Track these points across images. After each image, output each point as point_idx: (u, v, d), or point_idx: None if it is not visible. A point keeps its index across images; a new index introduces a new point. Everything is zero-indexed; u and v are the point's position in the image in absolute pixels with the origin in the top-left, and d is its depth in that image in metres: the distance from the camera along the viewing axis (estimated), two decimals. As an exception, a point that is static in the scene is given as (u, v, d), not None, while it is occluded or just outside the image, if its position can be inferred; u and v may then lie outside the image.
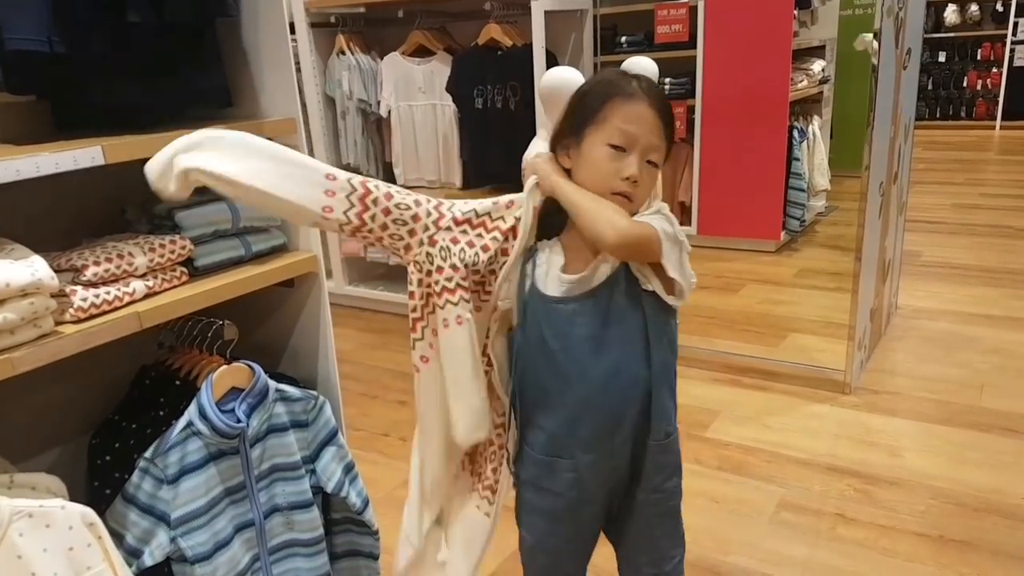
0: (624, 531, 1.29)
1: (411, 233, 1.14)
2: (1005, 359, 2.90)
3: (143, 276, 1.28)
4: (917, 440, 2.41)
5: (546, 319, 1.13)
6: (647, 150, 1.09)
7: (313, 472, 1.46)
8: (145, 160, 1.08)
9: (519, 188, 1.17)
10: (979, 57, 8.41)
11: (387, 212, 1.12)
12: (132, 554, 1.23)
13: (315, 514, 1.46)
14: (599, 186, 1.10)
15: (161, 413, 1.40)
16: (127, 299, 1.25)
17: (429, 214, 1.15)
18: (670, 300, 1.12)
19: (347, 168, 3.69)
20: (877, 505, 2.10)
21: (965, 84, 8.52)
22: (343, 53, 3.49)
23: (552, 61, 3.04)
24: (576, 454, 1.17)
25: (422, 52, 3.39)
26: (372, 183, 1.13)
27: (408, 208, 1.14)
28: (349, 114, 3.57)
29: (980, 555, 1.89)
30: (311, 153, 3.69)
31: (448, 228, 1.15)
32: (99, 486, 1.36)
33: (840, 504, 2.12)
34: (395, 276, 3.97)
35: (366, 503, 1.52)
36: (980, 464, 2.27)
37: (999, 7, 8.17)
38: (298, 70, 3.56)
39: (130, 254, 1.26)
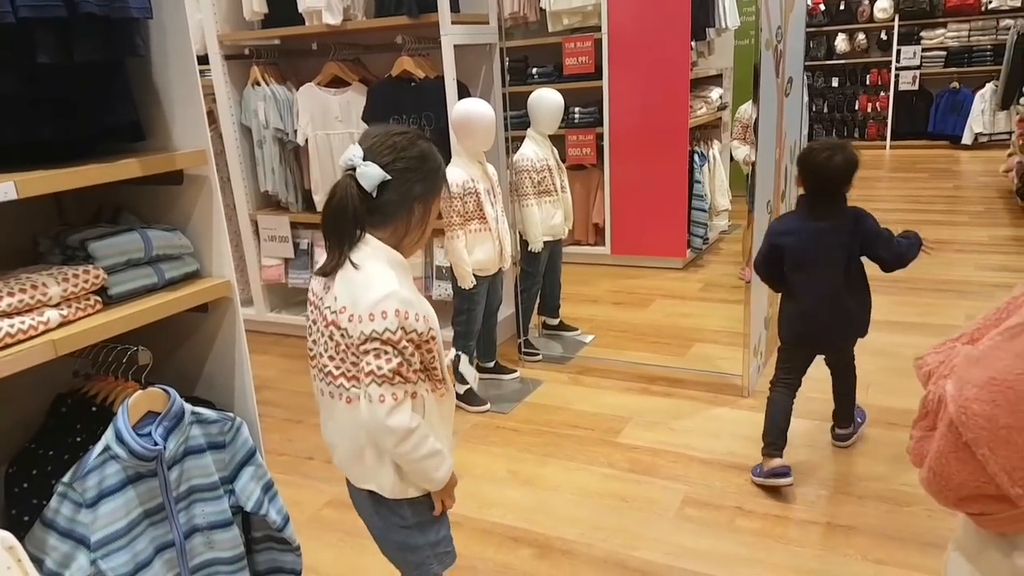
0: None
1: None
2: (889, 360, 3.14)
3: (57, 305, 1.31)
4: (807, 436, 2.60)
5: None
6: None
7: (232, 492, 1.49)
8: (57, 194, 1.13)
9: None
10: (868, 82, 9.00)
11: None
12: (52, 577, 1.25)
13: (235, 533, 1.49)
14: None
15: (78, 439, 1.42)
16: (41, 328, 1.27)
17: None
18: None
19: (265, 196, 3.78)
20: (771, 497, 2.27)
21: (857, 107, 9.10)
22: (258, 84, 3.54)
23: (464, 92, 3.17)
24: None
25: (337, 83, 3.47)
26: None
27: None
28: (266, 143, 3.61)
29: (863, 538, 2.07)
30: (228, 182, 3.72)
31: None
32: (17, 514, 1.37)
33: (739, 498, 2.27)
34: (316, 303, 3.98)
35: (286, 520, 1.57)
36: (864, 455, 2.47)
37: (883, 36, 8.78)
38: (213, 101, 3.58)
39: (44, 284, 1.29)
